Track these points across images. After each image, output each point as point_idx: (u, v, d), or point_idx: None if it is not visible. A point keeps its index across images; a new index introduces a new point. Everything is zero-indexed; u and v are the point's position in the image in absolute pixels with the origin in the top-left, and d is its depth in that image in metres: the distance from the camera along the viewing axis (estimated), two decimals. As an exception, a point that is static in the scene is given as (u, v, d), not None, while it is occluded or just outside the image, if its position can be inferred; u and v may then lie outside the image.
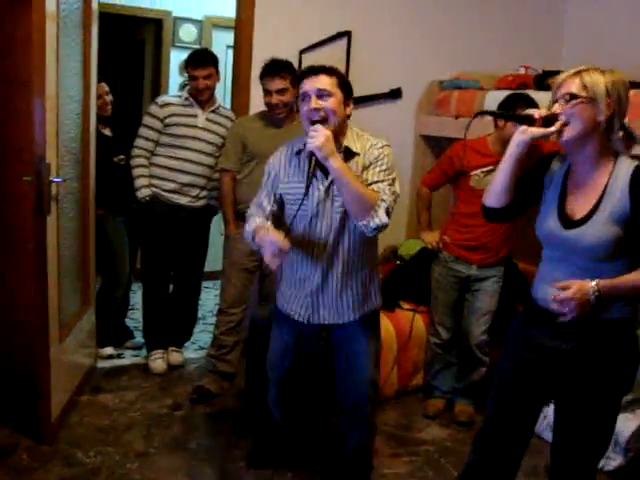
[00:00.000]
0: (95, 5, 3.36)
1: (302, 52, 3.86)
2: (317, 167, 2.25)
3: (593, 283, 1.84)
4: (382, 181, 2.25)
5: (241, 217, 3.37)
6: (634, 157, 1.93)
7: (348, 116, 2.33)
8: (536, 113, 1.90)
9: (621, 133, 1.88)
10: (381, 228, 2.21)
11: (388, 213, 2.21)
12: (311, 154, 2.20)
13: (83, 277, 3.41)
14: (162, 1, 5.20)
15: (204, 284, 4.20)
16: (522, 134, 1.91)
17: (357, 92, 4.02)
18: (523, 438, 2.18)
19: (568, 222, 1.93)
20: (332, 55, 3.93)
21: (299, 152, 2.35)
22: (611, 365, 1.96)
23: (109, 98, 3.77)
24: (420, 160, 4.32)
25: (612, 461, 2.96)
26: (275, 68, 3.20)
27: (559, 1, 4.58)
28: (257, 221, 2.39)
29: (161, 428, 3.12)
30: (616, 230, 1.86)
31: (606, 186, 1.88)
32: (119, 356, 3.92)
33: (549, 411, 3.12)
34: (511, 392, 2.14)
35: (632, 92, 2.97)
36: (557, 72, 3.51)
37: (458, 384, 3.45)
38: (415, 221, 4.29)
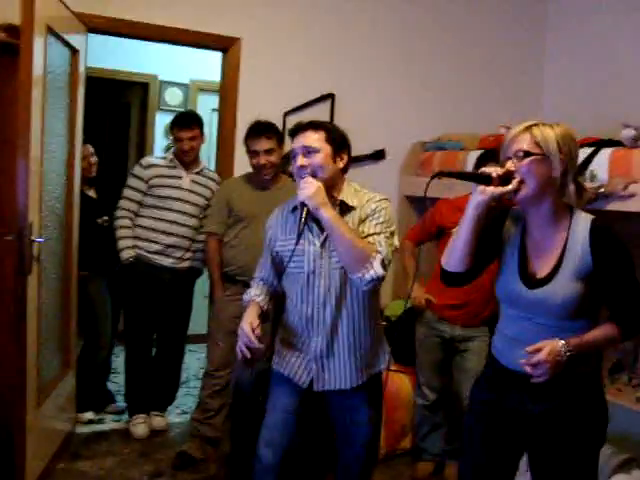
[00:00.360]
0: (82, 69, 3.41)
1: (286, 114, 3.92)
2: (312, 221, 2.22)
3: (563, 342, 1.82)
4: (378, 233, 2.19)
5: (229, 280, 3.36)
6: (587, 210, 1.94)
7: (343, 170, 2.29)
8: (493, 172, 1.82)
9: (573, 187, 1.85)
10: (377, 281, 2.13)
11: (384, 265, 2.13)
12: (302, 205, 2.17)
13: (64, 339, 3.35)
14: (148, 65, 5.28)
15: (188, 347, 4.14)
16: (481, 194, 1.82)
17: (341, 153, 4.14)
18: None
19: (531, 282, 1.90)
20: (316, 117, 3.87)
21: (294, 209, 2.31)
22: (584, 420, 1.94)
23: (94, 160, 3.79)
24: (405, 220, 4.33)
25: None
26: (261, 129, 3.24)
27: (537, 64, 4.71)
28: (251, 293, 2.38)
29: (141, 497, 3.01)
30: (580, 287, 1.85)
31: (566, 242, 1.87)
32: (99, 421, 3.82)
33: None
34: (483, 455, 2.08)
35: (610, 150, 3.08)
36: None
37: (448, 446, 3.37)
38: (401, 281, 4.31)
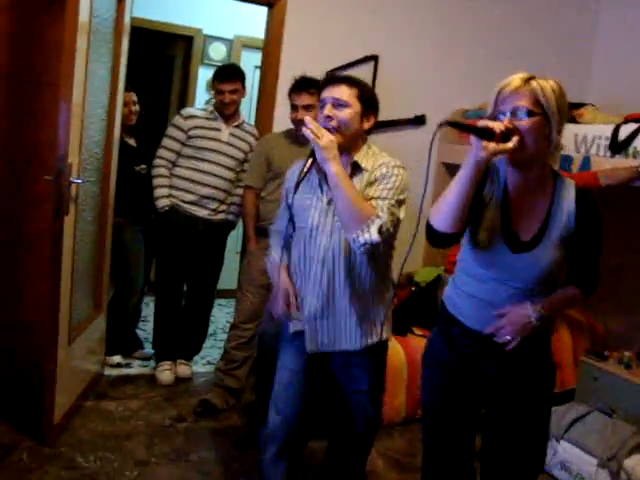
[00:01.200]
0: (127, 19, 3.42)
1: (329, 73, 3.88)
2: (324, 178, 2.16)
3: (535, 307, 1.83)
4: (383, 198, 2.10)
5: (263, 233, 3.38)
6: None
7: (367, 131, 2.25)
8: (496, 126, 1.68)
9: (557, 143, 1.80)
10: (369, 245, 2.03)
11: (381, 232, 2.02)
12: (311, 154, 2.12)
13: (96, 282, 3.42)
14: (193, 19, 5.27)
15: (217, 301, 4.19)
16: (483, 151, 1.66)
17: (382, 116, 4.03)
18: (465, 450, 2.12)
19: (515, 245, 1.84)
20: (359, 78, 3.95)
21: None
22: (535, 380, 1.97)
23: (135, 108, 3.82)
24: (440, 187, 4.22)
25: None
26: (304, 84, 3.22)
27: (589, 32, 4.59)
28: (276, 259, 2.34)
29: (163, 438, 3.09)
30: (561, 251, 1.84)
31: (550, 207, 1.85)
32: (127, 365, 3.91)
33: (558, 448, 3.07)
34: (444, 413, 2.06)
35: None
36: (582, 104, 3.55)
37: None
38: (432, 249, 4.29)
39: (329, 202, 2.17)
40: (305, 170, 2.13)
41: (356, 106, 2.17)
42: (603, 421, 3.05)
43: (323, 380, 2.45)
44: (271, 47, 3.84)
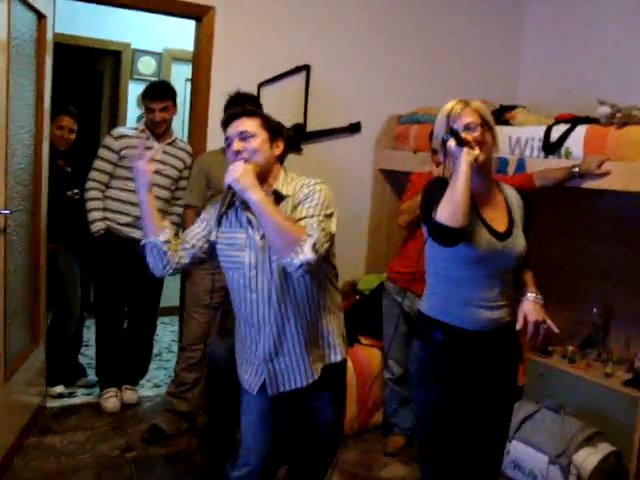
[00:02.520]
0: (50, 36, 3.31)
1: (261, 85, 3.84)
2: (251, 213, 2.10)
3: (534, 295, 2.16)
4: (311, 216, 2.05)
5: None
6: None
7: (279, 158, 2.20)
8: (470, 138, 2.03)
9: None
10: (306, 265, 1.96)
11: (315, 250, 1.96)
12: (229, 188, 2.05)
13: (33, 313, 3.30)
14: (121, 33, 5.15)
15: (160, 319, 4.10)
16: (470, 155, 2.00)
17: (316, 126, 4.09)
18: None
19: (499, 235, 2.11)
20: (291, 88, 3.94)
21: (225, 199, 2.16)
22: (516, 366, 2.29)
23: (72, 136, 3.71)
24: (379, 194, 4.32)
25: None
26: (240, 101, 3.16)
27: (515, 35, 4.67)
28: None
29: (112, 471, 2.99)
30: (524, 239, 2.17)
31: (506, 202, 2.19)
32: (70, 395, 3.77)
33: (510, 447, 3.11)
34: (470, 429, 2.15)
35: (586, 127, 3.07)
36: (514, 107, 3.62)
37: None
38: (374, 255, 4.31)
39: (262, 237, 2.10)
40: (225, 205, 2.09)
41: (262, 134, 2.14)
42: (552, 418, 3.10)
43: (289, 413, 2.39)
44: (201, 62, 3.77)
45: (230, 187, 2.04)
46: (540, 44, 4.54)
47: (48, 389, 3.67)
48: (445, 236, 2.00)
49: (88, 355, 4.17)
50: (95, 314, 3.72)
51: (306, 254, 1.95)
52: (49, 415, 3.49)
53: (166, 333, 4.92)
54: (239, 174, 2.00)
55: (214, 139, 3.60)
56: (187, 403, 3.41)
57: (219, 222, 2.14)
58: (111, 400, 3.62)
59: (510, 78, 4.64)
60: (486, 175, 2.13)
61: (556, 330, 2.12)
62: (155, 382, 4.07)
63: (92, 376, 3.91)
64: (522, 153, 3.28)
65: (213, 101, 3.70)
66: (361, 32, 4.20)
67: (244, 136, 2.11)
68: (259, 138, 2.13)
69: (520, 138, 3.30)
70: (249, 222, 2.13)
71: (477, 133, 2.05)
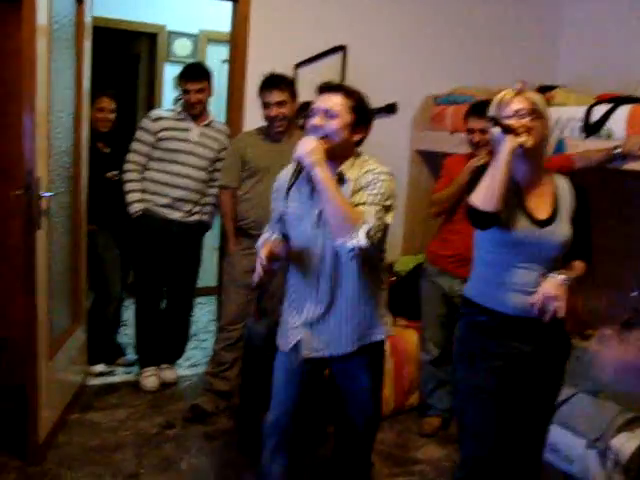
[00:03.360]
0: (88, 19, 3.34)
1: (297, 66, 3.84)
2: (312, 186, 2.14)
3: (560, 275, 2.10)
4: (370, 204, 2.09)
5: (242, 233, 3.35)
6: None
7: (356, 143, 2.21)
8: (516, 124, 2.05)
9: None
10: (358, 250, 2.02)
11: (369, 236, 2.01)
12: (298, 163, 2.09)
13: (74, 293, 3.36)
14: (157, 15, 5.17)
15: (197, 300, 4.15)
16: (512, 142, 2.03)
17: (352, 106, 4.06)
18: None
19: (538, 221, 2.12)
20: (328, 69, 3.92)
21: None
22: (562, 360, 2.29)
23: (112, 116, 3.75)
24: (415, 175, 4.29)
25: (613, 481, 2.92)
26: (274, 81, 3.20)
27: (555, 16, 4.57)
28: (265, 235, 2.35)
29: (152, 448, 3.06)
30: (571, 228, 2.15)
31: (554, 191, 2.18)
32: (110, 373, 3.85)
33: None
34: (510, 409, 2.17)
35: (629, 107, 3.00)
36: (553, 87, 3.55)
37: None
38: (410, 237, 4.29)
39: (319, 213, 2.16)
40: (292, 179, 2.12)
41: (346, 117, 2.14)
42: (589, 402, 3.08)
43: (321, 381, 2.49)
44: (237, 43, 3.78)
45: (298, 160, 2.07)
46: (581, 22, 4.44)
47: (89, 368, 3.75)
48: (478, 219, 2.08)
49: (128, 334, 4.25)
50: (134, 294, 3.78)
51: (360, 239, 2.00)
52: (90, 393, 3.57)
53: (203, 313, 4.98)
54: (309, 149, 2.04)
55: (251, 120, 3.62)
56: (226, 382, 3.46)
57: (287, 192, 2.18)
58: (150, 379, 3.68)
59: (550, 58, 4.55)
60: (535, 162, 2.14)
61: (561, 313, 2.07)
62: (193, 362, 4.13)
63: (131, 355, 3.99)
64: (562, 134, 3.22)
65: (250, 82, 3.70)
66: (398, 12, 4.16)
67: (329, 114, 2.12)
68: (342, 120, 2.13)
69: (560, 118, 3.23)
70: (311, 196, 2.18)
71: (526, 120, 2.06)
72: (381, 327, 2.33)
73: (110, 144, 3.76)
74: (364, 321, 2.28)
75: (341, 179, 2.16)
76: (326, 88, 2.19)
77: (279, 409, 2.37)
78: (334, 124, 2.12)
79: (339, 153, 2.16)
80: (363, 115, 2.19)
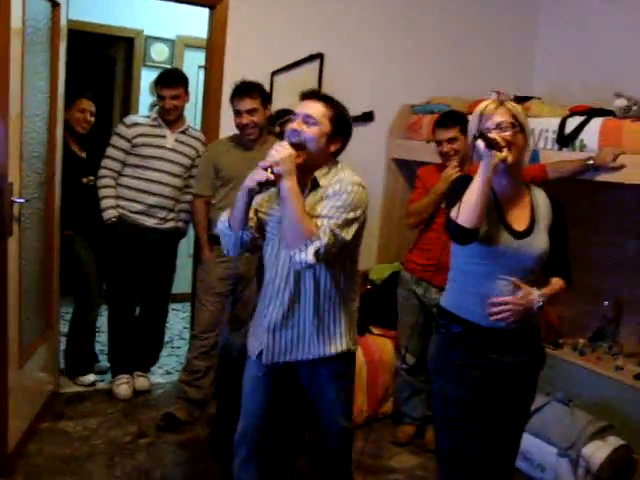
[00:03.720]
0: (64, 22, 3.31)
1: (274, 73, 3.84)
2: None
3: (539, 292, 2.10)
4: (330, 217, 2.05)
5: (216, 241, 3.32)
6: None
7: (332, 154, 2.20)
8: (499, 139, 2.02)
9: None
10: (304, 265, 2.03)
11: (317, 255, 2.00)
12: (269, 167, 2.04)
13: (46, 300, 3.31)
14: (134, 20, 5.14)
15: (172, 306, 4.12)
16: (493, 158, 2.00)
17: (329, 114, 4.07)
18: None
19: (516, 233, 2.10)
20: (304, 77, 3.92)
21: None
22: (536, 371, 2.26)
23: (91, 119, 3.71)
24: (391, 183, 4.31)
25: (584, 489, 2.95)
26: (245, 89, 3.21)
27: (530, 26, 4.63)
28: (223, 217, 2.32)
29: (124, 457, 3.02)
30: (548, 241, 2.13)
31: (531, 202, 2.16)
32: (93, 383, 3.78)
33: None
34: (483, 422, 2.16)
35: (601, 119, 3.05)
36: (528, 98, 3.59)
37: (429, 411, 3.40)
38: (385, 245, 4.31)
39: None
40: (265, 181, 2.04)
41: (325, 126, 2.14)
42: (561, 410, 3.10)
43: (292, 390, 2.45)
44: (214, 49, 3.78)
45: (269, 166, 2.02)
46: (555, 35, 4.50)
47: (78, 378, 3.72)
48: (459, 235, 2.05)
49: (100, 341, 4.19)
50: (107, 301, 3.74)
51: (307, 255, 2.01)
52: (62, 401, 3.51)
53: (177, 320, 4.95)
54: (281, 157, 2.01)
55: (227, 127, 3.60)
56: (200, 391, 3.43)
57: (259, 190, 2.11)
58: (123, 386, 3.64)
59: (525, 69, 4.61)
60: (515, 176, 2.13)
61: (499, 316, 2.06)
62: (166, 369, 4.10)
63: (104, 362, 3.94)
64: (536, 145, 3.26)
65: (226, 89, 3.67)
66: (375, 21, 4.18)
67: (308, 120, 2.12)
68: (320, 129, 2.13)
69: (534, 129, 3.27)
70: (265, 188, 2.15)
71: (508, 133, 2.04)
72: (347, 337, 2.28)
73: (86, 148, 3.72)
74: (329, 332, 2.24)
75: (315, 185, 2.16)
76: (308, 95, 2.21)
77: (248, 419, 2.36)
78: (312, 131, 2.12)
79: (314, 162, 2.14)
80: (342, 126, 2.19)
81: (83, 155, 3.70)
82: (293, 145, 2.08)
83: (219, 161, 3.30)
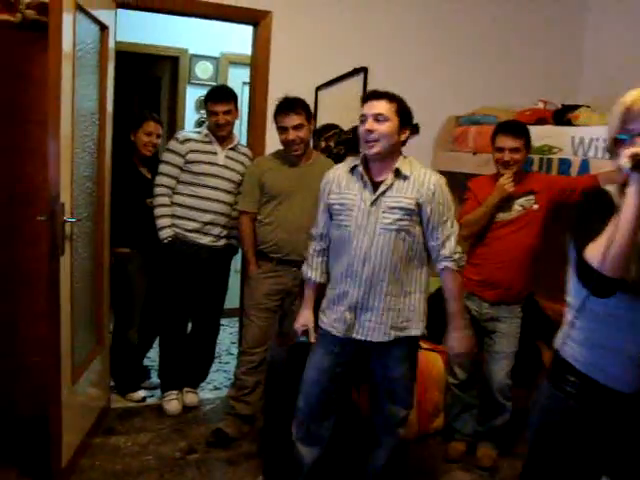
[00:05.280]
0: (112, 44, 3.37)
1: (318, 88, 3.85)
2: (369, 180, 2.44)
3: None
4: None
5: (263, 256, 3.34)
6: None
7: (403, 142, 2.47)
8: None
9: None
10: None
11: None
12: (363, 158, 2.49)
13: (96, 317, 3.36)
14: (178, 39, 5.22)
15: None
16: None
17: (374, 128, 4.06)
18: None
19: None
20: (348, 91, 3.92)
21: (354, 168, 2.50)
22: None
23: (158, 140, 3.74)
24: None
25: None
26: (290, 105, 3.21)
27: (577, 36, 4.56)
28: (308, 273, 2.67)
29: (175, 473, 3.03)
30: None
31: None
32: (144, 399, 3.82)
33: None
34: None
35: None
36: (576, 106, 3.51)
37: (480, 427, 3.34)
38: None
39: (372, 204, 2.41)
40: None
41: (394, 120, 2.41)
42: None
43: (351, 379, 2.75)
44: (258, 66, 3.81)
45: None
46: (603, 41, 4.41)
47: (129, 394, 3.77)
48: (602, 288, 1.53)
49: (150, 357, 4.24)
50: (160, 318, 3.75)
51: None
52: (113, 416, 3.56)
53: (225, 335, 4.96)
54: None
55: (272, 143, 3.62)
56: (249, 406, 3.42)
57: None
58: (173, 402, 3.67)
59: (572, 77, 4.52)
60: None
61: None
62: (215, 384, 4.11)
63: (154, 378, 3.98)
64: (585, 154, 3.19)
65: (271, 105, 3.69)
66: (419, 33, 4.17)
67: (379, 118, 2.39)
68: (391, 123, 2.40)
69: (584, 138, 3.21)
70: (364, 186, 2.45)
71: None
72: (419, 323, 2.51)
73: (150, 169, 3.74)
74: (404, 315, 2.47)
75: (399, 174, 2.42)
76: (371, 96, 2.46)
77: (312, 403, 2.58)
78: (386, 126, 2.38)
79: (391, 154, 2.43)
80: (406, 117, 2.47)
81: (149, 176, 3.70)
82: (370, 142, 2.40)
83: (264, 177, 3.30)
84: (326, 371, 2.55)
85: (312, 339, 2.61)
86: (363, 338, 2.47)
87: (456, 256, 2.46)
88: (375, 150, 2.39)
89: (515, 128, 3.11)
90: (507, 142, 3.07)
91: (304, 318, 2.67)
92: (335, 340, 2.52)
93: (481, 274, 3.15)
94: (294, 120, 3.18)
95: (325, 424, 2.64)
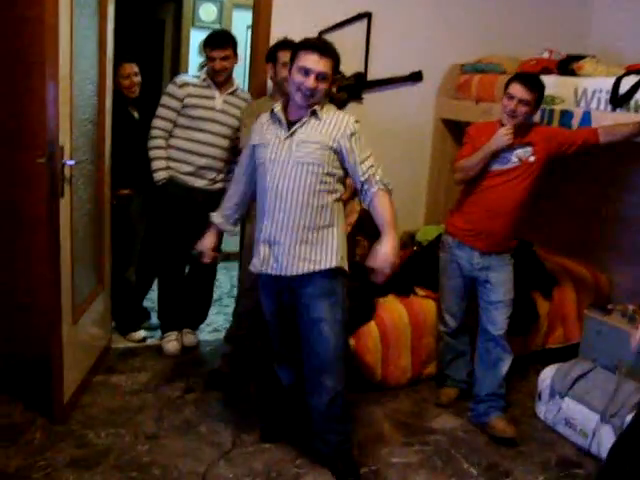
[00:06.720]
0: (112, -16, 3.33)
1: (321, 33, 3.80)
2: (284, 119, 2.50)
3: None
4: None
5: None
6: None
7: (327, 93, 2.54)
8: None
9: None
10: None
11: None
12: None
13: (98, 258, 3.42)
14: (183, -20, 5.15)
15: (221, 265, 4.19)
16: None
17: (377, 74, 4.04)
18: None
19: None
20: (352, 36, 3.88)
21: (272, 111, 2.57)
22: None
23: (137, 79, 3.73)
24: (439, 143, 4.26)
25: None
26: (285, 44, 3.22)
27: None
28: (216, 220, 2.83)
29: (172, 411, 3.13)
30: None
31: None
32: (144, 339, 3.90)
33: (562, 404, 3.10)
34: None
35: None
36: (581, 57, 3.46)
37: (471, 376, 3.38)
38: (433, 207, 4.28)
39: (286, 138, 2.49)
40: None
41: (330, 76, 2.47)
42: (606, 377, 3.07)
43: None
44: (261, 9, 3.75)
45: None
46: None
47: (130, 334, 3.85)
48: None
49: (150, 299, 4.29)
50: (157, 259, 3.81)
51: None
52: (114, 356, 3.65)
53: (227, 278, 5.03)
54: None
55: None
56: (246, 348, 3.48)
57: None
58: (172, 343, 3.75)
59: (581, 27, 4.43)
60: None
61: None
62: (214, 327, 4.19)
63: (154, 320, 4.06)
64: (588, 106, 3.15)
65: (273, 50, 3.68)
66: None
67: (321, 77, 2.42)
68: (329, 80, 2.47)
69: (587, 90, 3.17)
70: (280, 122, 2.52)
71: None
72: (334, 255, 2.52)
73: (139, 110, 3.75)
74: (317, 249, 2.50)
75: (314, 114, 2.48)
76: (320, 49, 2.44)
77: (282, 340, 2.79)
78: (325, 85, 2.45)
79: (316, 102, 2.49)
80: (336, 69, 2.54)
81: (136, 115, 3.74)
82: (305, 96, 2.46)
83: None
84: (274, 311, 2.70)
85: (206, 260, 2.84)
86: (277, 273, 2.53)
87: (385, 181, 2.49)
88: (310, 103, 2.46)
89: (532, 80, 3.02)
90: (519, 92, 2.96)
91: (200, 242, 2.86)
92: (266, 279, 2.62)
93: (470, 222, 3.16)
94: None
95: (296, 349, 2.71)
